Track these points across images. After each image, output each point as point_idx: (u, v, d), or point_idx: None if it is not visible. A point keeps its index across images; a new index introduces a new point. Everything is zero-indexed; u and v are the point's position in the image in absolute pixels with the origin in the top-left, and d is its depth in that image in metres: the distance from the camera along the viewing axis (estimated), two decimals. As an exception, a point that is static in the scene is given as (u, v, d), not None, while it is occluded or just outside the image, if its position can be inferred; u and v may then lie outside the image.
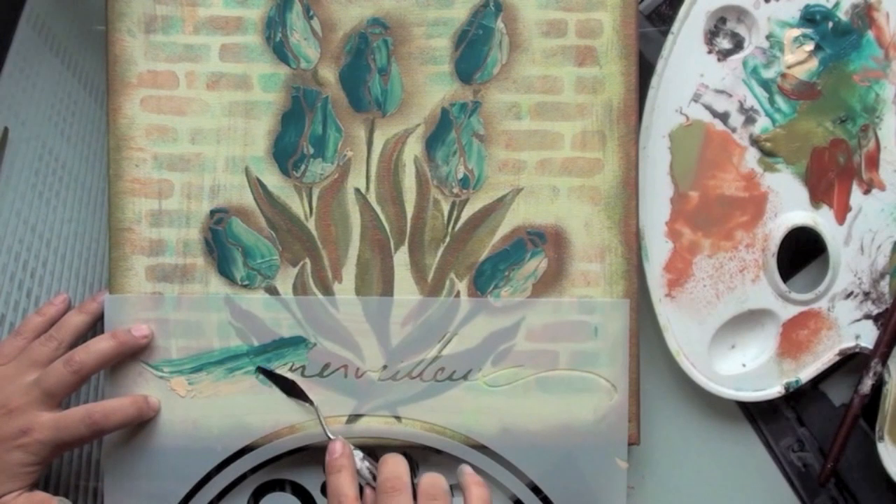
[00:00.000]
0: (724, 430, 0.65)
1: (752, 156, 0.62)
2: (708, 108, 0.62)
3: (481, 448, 0.61)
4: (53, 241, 0.64)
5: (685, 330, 0.62)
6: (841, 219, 0.62)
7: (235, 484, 0.62)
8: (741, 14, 0.62)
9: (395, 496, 0.55)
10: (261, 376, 0.61)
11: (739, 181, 0.62)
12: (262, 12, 0.61)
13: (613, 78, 0.61)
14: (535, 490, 0.62)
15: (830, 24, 0.62)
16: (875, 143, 0.62)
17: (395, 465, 0.57)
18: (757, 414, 0.64)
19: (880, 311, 0.62)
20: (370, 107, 0.61)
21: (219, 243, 0.61)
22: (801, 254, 0.64)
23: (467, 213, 0.61)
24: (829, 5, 0.62)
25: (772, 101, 0.62)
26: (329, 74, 0.61)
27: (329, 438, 0.60)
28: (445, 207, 0.61)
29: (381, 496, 0.56)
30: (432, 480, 0.57)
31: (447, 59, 0.61)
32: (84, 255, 0.64)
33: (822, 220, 0.62)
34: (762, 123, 0.62)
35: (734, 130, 0.62)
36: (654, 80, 0.61)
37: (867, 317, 0.63)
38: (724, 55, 0.62)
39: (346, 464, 0.57)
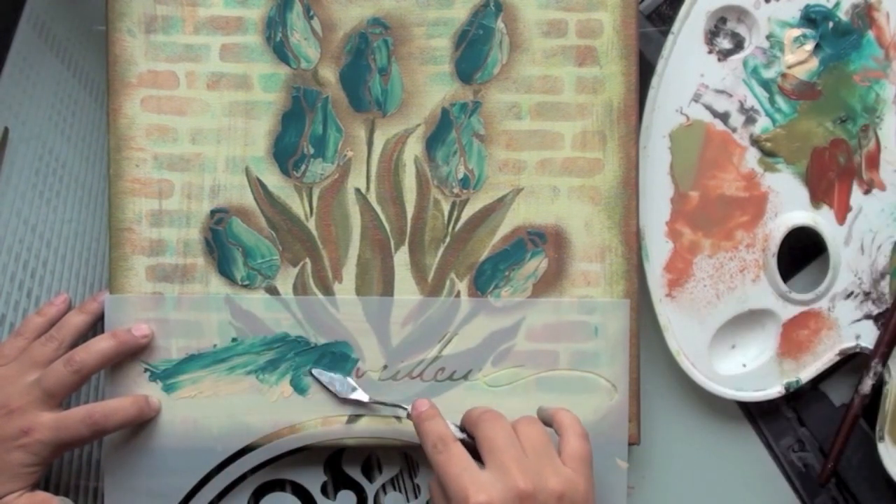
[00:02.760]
0: (724, 430, 0.65)
1: (752, 156, 0.62)
2: (708, 108, 0.62)
3: (481, 448, 0.61)
4: (53, 241, 0.64)
5: (685, 330, 0.62)
6: (841, 219, 0.62)
7: (235, 484, 0.62)
8: (741, 14, 0.62)
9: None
10: (262, 375, 0.61)
11: (739, 181, 0.62)
12: (263, 12, 0.61)
13: (614, 78, 0.61)
14: (536, 490, 0.62)
15: (831, 24, 0.62)
16: (875, 143, 0.62)
17: None
18: (757, 414, 0.64)
19: (880, 311, 0.62)
20: (370, 107, 0.61)
21: (219, 243, 0.61)
22: (801, 254, 0.64)
23: (467, 213, 0.61)
24: (830, 5, 0.62)
25: (772, 101, 0.62)
26: (329, 74, 0.61)
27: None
28: (446, 207, 0.61)
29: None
30: None
31: (447, 59, 0.61)
32: (84, 255, 0.64)
33: (822, 220, 0.62)
34: (762, 123, 0.62)
35: (734, 130, 0.62)
36: (655, 80, 0.61)
37: (867, 317, 0.63)
38: (724, 55, 0.62)
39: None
